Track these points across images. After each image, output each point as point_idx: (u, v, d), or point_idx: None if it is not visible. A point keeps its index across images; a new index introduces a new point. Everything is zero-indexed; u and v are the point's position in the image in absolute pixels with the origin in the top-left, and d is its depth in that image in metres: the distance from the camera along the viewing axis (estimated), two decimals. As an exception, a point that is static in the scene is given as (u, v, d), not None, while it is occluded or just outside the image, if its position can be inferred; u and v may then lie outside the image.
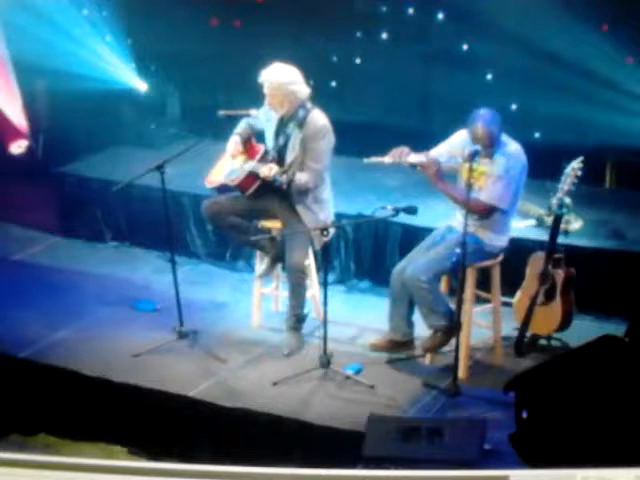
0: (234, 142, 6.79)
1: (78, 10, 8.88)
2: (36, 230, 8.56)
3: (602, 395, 5.13)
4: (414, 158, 6.33)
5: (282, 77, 6.58)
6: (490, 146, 6.23)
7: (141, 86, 9.07)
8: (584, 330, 6.48)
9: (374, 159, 6.44)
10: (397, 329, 6.53)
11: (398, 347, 6.57)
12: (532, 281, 6.58)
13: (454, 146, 6.41)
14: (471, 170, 6.14)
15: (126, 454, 6.31)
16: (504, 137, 6.31)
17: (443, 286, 6.56)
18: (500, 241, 6.41)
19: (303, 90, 6.60)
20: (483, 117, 6.21)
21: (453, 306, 6.30)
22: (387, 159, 6.39)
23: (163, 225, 6.91)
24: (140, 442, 6.33)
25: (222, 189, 6.88)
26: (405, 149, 6.35)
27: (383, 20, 8.53)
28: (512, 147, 6.31)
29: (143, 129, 9.08)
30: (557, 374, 5.41)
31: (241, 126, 6.85)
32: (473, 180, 6.17)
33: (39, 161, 8.85)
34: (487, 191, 6.25)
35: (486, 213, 6.28)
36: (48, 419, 6.57)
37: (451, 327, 6.28)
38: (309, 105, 6.64)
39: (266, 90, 6.62)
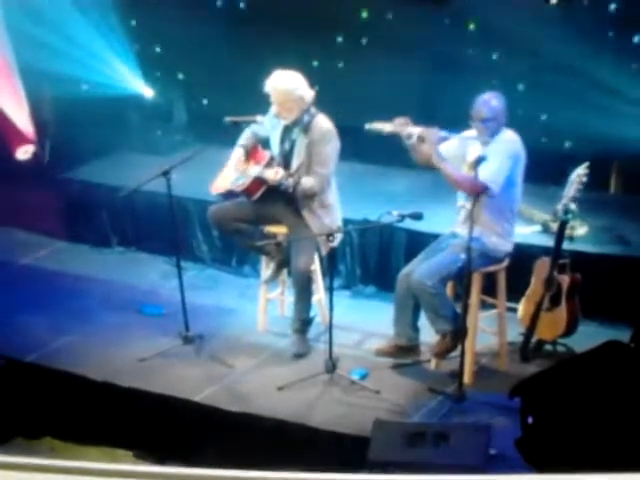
0: (238, 155, 6.80)
1: (84, 16, 8.88)
2: (42, 235, 8.55)
3: (607, 400, 5.12)
4: (414, 129, 6.34)
5: (288, 84, 6.58)
6: (492, 121, 6.26)
7: (147, 92, 9.07)
8: (589, 336, 6.45)
9: (376, 125, 6.40)
10: (402, 334, 6.51)
11: (403, 352, 6.55)
12: (537, 287, 6.57)
13: (453, 151, 6.44)
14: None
15: (131, 458, 6.31)
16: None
17: (449, 292, 6.54)
18: (505, 246, 6.40)
19: (309, 94, 6.60)
20: (488, 100, 6.30)
21: (459, 310, 6.30)
22: (388, 127, 6.36)
23: (169, 230, 6.91)
24: (145, 446, 6.34)
25: (228, 196, 6.90)
26: (407, 119, 6.35)
27: (388, 26, 8.52)
28: (508, 135, 6.34)
29: (149, 135, 9.07)
30: (562, 379, 5.41)
31: (246, 136, 6.85)
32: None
33: (45, 166, 8.86)
34: (480, 171, 6.18)
35: (475, 191, 6.16)
36: (53, 423, 6.58)
37: (459, 330, 6.27)
38: (313, 110, 6.63)
39: (274, 99, 6.60)
